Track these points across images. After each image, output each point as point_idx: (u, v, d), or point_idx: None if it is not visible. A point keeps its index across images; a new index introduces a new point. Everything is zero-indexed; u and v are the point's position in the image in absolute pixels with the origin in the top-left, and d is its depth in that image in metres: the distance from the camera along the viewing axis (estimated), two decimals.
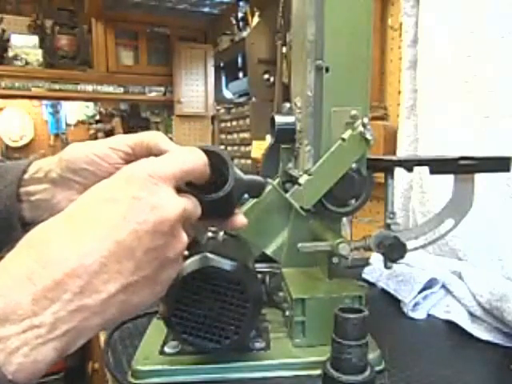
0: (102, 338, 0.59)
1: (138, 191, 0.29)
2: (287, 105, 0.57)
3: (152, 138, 0.39)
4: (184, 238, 0.32)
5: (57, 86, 2.50)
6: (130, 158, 0.39)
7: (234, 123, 2.25)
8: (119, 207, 0.29)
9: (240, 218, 0.41)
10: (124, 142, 0.40)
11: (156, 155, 0.34)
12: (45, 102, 2.76)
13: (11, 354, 0.24)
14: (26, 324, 0.25)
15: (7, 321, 0.24)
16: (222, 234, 0.55)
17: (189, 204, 0.33)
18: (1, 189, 0.42)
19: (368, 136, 0.48)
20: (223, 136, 2.40)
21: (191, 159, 0.34)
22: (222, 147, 2.28)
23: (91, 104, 2.91)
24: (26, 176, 0.43)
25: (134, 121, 2.99)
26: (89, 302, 0.27)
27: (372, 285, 0.78)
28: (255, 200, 0.59)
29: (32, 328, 0.25)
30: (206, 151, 0.36)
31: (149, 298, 0.31)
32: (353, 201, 0.52)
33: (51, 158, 0.44)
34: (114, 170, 0.38)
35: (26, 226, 0.43)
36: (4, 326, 0.24)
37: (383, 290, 0.75)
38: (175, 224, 0.31)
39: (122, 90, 2.69)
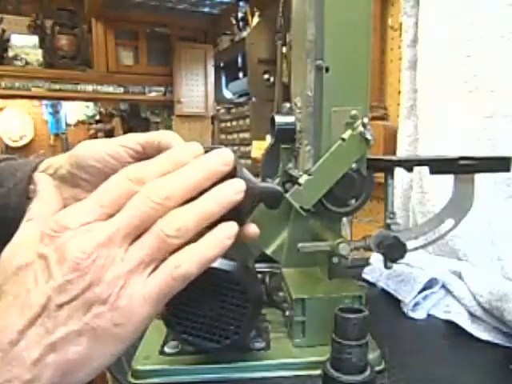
0: None
1: (43, 248, 0.28)
2: (287, 105, 0.57)
3: (164, 137, 0.37)
4: (113, 273, 0.28)
5: (57, 86, 2.51)
6: (141, 157, 0.38)
7: (234, 123, 2.25)
8: (27, 272, 0.28)
9: (252, 228, 0.38)
10: (135, 140, 0.39)
11: None
12: (45, 102, 2.76)
13: None
14: None
15: None
16: None
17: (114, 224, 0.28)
18: (10, 187, 0.42)
19: (368, 136, 0.48)
20: (223, 136, 2.41)
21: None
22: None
23: (91, 104, 2.92)
24: (36, 173, 0.43)
25: (133, 121, 2.99)
26: (12, 375, 0.26)
27: (372, 285, 0.78)
28: None
29: None
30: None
31: (95, 349, 0.28)
32: (353, 201, 0.52)
33: (62, 155, 0.43)
34: (114, 167, 0.38)
35: None
36: None
37: (383, 290, 0.75)
38: (86, 265, 0.27)
39: (121, 89, 2.69)
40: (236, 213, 0.33)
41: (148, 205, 0.28)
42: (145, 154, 0.38)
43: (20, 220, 0.37)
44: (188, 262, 0.30)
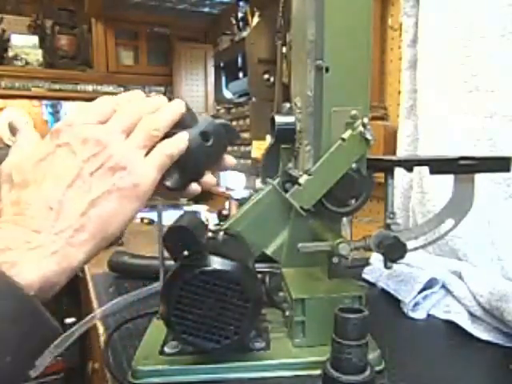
0: (102, 338, 0.59)
1: (59, 139, 0.36)
2: (287, 105, 0.57)
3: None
4: (121, 151, 0.36)
5: (57, 86, 2.50)
6: None
7: (234, 123, 2.24)
8: (55, 153, 0.36)
9: (228, 158, 0.46)
10: None
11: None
12: (45, 101, 2.76)
13: (24, 268, 0.31)
14: (25, 248, 0.31)
15: (10, 248, 0.31)
16: (221, 234, 0.55)
17: (124, 119, 0.38)
18: None
19: (368, 136, 0.48)
20: None
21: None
22: None
23: None
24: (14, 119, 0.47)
25: None
26: (65, 223, 0.33)
27: (372, 285, 0.78)
28: (255, 200, 0.59)
29: (29, 250, 0.31)
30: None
31: (124, 203, 0.36)
32: (353, 201, 0.52)
33: None
34: None
35: None
36: (10, 251, 0.31)
37: (383, 290, 0.75)
38: (100, 140, 0.36)
39: (121, 90, 2.69)
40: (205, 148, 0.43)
41: (137, 113, 0.39)
42: None
43: None
44: (168, 145, 0.40)
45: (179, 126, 0.42)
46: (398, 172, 0.82)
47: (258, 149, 1.81)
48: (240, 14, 2.21)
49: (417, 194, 0.91)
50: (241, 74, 2.47)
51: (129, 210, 0.36)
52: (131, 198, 0.36)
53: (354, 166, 0.49)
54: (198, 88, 2.80)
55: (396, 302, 0.69)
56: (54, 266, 0.32)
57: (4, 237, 0.31)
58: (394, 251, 0.50)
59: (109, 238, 0.36)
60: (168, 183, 0.42)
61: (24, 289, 0.30)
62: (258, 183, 1.18)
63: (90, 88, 2.59)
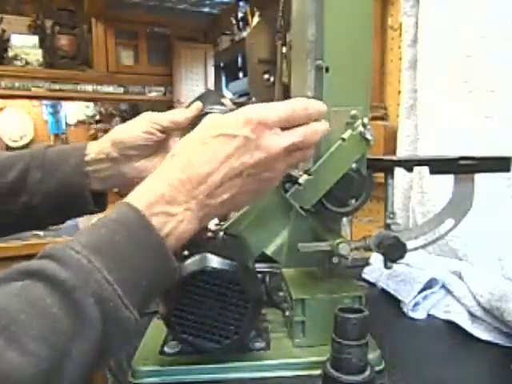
0: None
1: (249, 133, 0.40)
2: None
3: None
4: (280, 167, 0.42)
5: (57, 86, 2.50)
6: (164, 130, 0.57)
7: None
8: (235, 142, 0.40)
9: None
10: (154, 119, 0.56)
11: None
12: (45, 102, 2.76)
13: (178, 223, 0.38)
14: (183, 207, 0.39)
15: (174, 204, 0.38)
16: (221, 234, 0.55)
17: (295, 137, 0.42)
18: (68, 171, 0.55)
19: (368, 136, 0.48)
20: None
21: (288, 107, 0.42)
22: None
23: (91, 104, 2.91)
24: (87, 158, 0.56)
25: None
26: (211, 202, 0.40)
27: (372, 285, 0.78)
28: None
29: (186, 210, 0.39)
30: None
31: (246, 203, 0.46)
32: (353, 201, 0.52)
33: (101, 141, 0.57)
34: (158, 139, 0.56)
35: (96, 195, 0.57)
36: (172, 206, 0.38)
37: (383, 290, 0.75)
38: (274, 159, 0.41)
39: (121, 89, 2.69)
40: None
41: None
42: (169, 130, 0.57)
43: (82, 193, 0.55)
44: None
45: None
46: (398, 172, 0.82)
47: None
48: (240, 14, 2.21)
49: (417, 194, 0.91)
50: (241, 74, 2.47)
51: (248, 203, 0.46)
52: (259, 194, 0.44)
53: (353, 166, 0.49)
54: (198, 88, 2.80)
55: (396, 302, 0.69)
56: (194, 228, 0.40)
57: (170, 192, 0.38)
58: (393, 251, 0.50)
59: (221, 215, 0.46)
60: None
61: (164, 236, 0.37)
62: None
63: (89, 88, 2.59)
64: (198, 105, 0.58)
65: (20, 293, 0.30)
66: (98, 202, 0.58)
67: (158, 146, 0.58)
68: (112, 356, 0.36)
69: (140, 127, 0.56)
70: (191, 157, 0.40)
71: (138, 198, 0.38)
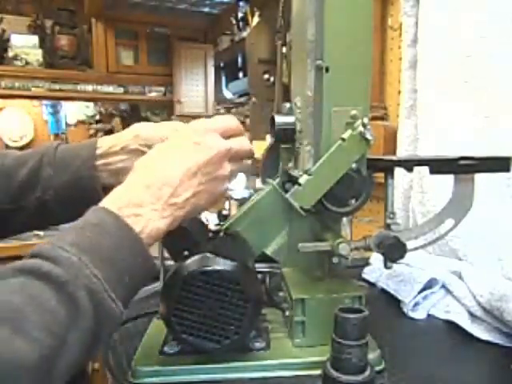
0: None
1: (199, 138, 0.47)
2: (287, 105, 0.57)
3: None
4: (227, 167, 0.49)
5: (57, 86, 2.50)
6: None
7: None
8: (187, 148, 0.46)
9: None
10: (178, 128, 0.58)
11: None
12: (45, 102, 2.76)
13: (147, 221, 0.42)
14: (149, 208, 0.42)
15: (141, 205, 0.42)
16: (221, 233, 0.55)
17: (234, 144, 0.50)
18: (79, 165, 0.57)
19: (368, 136, 0.48)
20: None
21: (227, 122, 0.52)
22: None
23: (91, 104, 2.91)
24: (99, 151, 0.57)
25: (133, 121, 2.97)
26: (177, 200, 0.44)
27: (372, 285, 0.78)
28: (255, 200, 0.59)
29: (152, 210, 0.42)
30: None
31: (209, 203, 0.48)
32: (353, 201, 0.52)
33: (118, 135, 0.59)
34: None
35: (106, 189, 0.57)
36: (140, 207, 0.42)
37: (383, 290, 0.75)
38: (222, 157, 0.48)
39: (121, 89, 2.69)
40: None
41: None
42: None
43: (93, 187, 0.57)
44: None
45: None
46: (398, 172, 0.82)
47: (258, 149, 1.81)
48: (240, 14, 2.21)
49: (417, 194, 0.91)
50: (241, 74, 2.47)
51: (208, 206, 0.49)
52: (215, 201, 0.49)
53: (353, 165, 0.49)
54: (197, 88, 2.80)
55: (396, 302, 0.69)
56: (164, 226, 0.43)
57: (137, 195, 0.42)
58: (393, 251, 0.50)
59: (189, 217, 0.47)
60: None
61: (139, 235, 0.40)
62: (258, 183, 1.18)
63: (89, 88, 2.59)
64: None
65: (20, 289, 0.33)
66: None
67: None
68: (102, 344, 0.39)
69: (165, 132, 0.58)
70: (154, 162, 0.46)
71: (111, 202, 0.42)
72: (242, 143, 0.52)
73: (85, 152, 0.58)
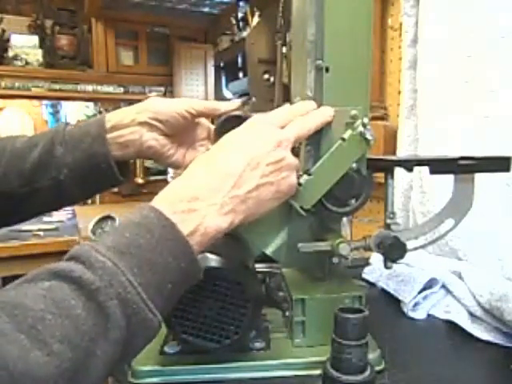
0: None
1: (259, 129, 0.44)
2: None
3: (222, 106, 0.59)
4: (291, 157, 0.45)
5: (57, 86, 2.50)
6: (197, 117, 0.59)
7: None
8: (248, 139, 0.44)
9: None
10: (202, 104, 0.58)
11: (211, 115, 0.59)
12: (45, 102, 2.76)
13: (203, 218, 0.38)
14: (208, 202, 0.39)
15: (196, 200, 0.38)
16: None
17: (295, 130, 0.46)
18: (90, 141, 0.56)
19: (368, 136, 0.48)
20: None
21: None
22: None
23: (91, 104, 2.91)
24: (108, 125, 0.56)
25: None
26: (238, 192, 0.40)
27: (372, 285, 0.78)
28: None
29: (211, 205, 0.39)
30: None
31: (273, 198, 0.44)
32: (353, 201, 0.52)
33: (126, 109, 0.59)
34: (186, 124, 0.58)
35: (118, 164, 0.57)
36: (195, 202, 0.38)
37: (383, 290, 0.75)
38: (285, 147, 0.44)
39: (121, 89, 2.69)
40: None
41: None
42: (198, 115, 0.59)
43: (107, 161, 0.56)
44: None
45: None
46: (398, 172, 0.82)
47: None
48: (240, 14, 2.21)
49: (417, 194, 0.91)
50: (241, 74, 2.47)
51: (274, 204, 0.45)
52: (282, 196, 0.45)
53: (354, 165, 0.49)
54: (197, 88, 2.80)
55: (396, 301, 0.69)
56: (224, 224, 0.40)
57: (194, 188, 0.39)
58: (393, 251, 0.50)
59: (250, 218, 0.43)
60: None
61: (187, 238, 0.37)
62: None
63: (89, 88, 2.58)
64: (238, 103, 0.60)
65: (46, 293, 0.30)
66: (121, 171, 0.58)
67: (180, 134, 0.60)
68: (136, 354, 0.37)
69: (176, 108, 0.57)
70: (215, 154, 0.43)
71: (163, 196, 0.39)
72: (303, 125, 0.47)
73: (94, 128, 0.57)
